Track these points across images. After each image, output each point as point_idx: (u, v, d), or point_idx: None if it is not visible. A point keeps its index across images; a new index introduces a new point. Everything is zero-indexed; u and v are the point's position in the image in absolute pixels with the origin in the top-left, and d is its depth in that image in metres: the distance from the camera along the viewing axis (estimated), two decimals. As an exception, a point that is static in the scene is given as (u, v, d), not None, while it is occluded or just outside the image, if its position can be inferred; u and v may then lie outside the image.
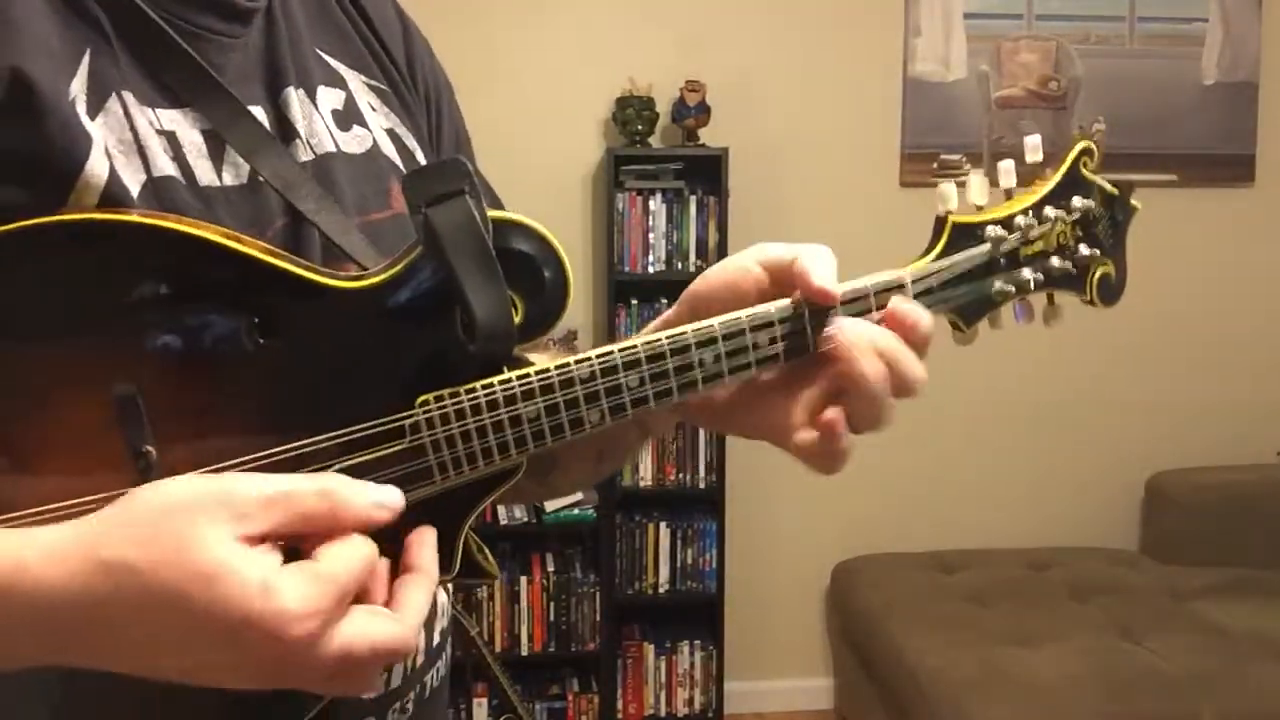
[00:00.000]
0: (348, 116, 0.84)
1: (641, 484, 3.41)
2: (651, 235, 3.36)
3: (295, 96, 0.80)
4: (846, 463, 0.75)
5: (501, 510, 3.30)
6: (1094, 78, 3.61)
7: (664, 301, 3.39)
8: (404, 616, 0.62)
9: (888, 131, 3.57)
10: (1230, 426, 3.70)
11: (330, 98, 0.84)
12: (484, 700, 3.26)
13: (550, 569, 3.35)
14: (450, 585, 0.87)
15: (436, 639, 0.89)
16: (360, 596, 0.61)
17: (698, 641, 3.45)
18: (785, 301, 0.74)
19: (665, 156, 3.40)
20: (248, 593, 0.56)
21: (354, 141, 0.83)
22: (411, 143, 0.87)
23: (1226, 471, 3.57)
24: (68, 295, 0.66)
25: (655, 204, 3.35)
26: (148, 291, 0.67)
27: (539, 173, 3.45)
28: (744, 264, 0.76)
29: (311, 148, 0.80)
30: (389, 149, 0.85)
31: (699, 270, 3.39)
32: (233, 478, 0.60)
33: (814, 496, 3.58)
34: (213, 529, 0.57)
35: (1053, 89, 3.61)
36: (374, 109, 0.86)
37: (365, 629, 0.59)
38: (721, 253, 3.33)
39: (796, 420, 0.75)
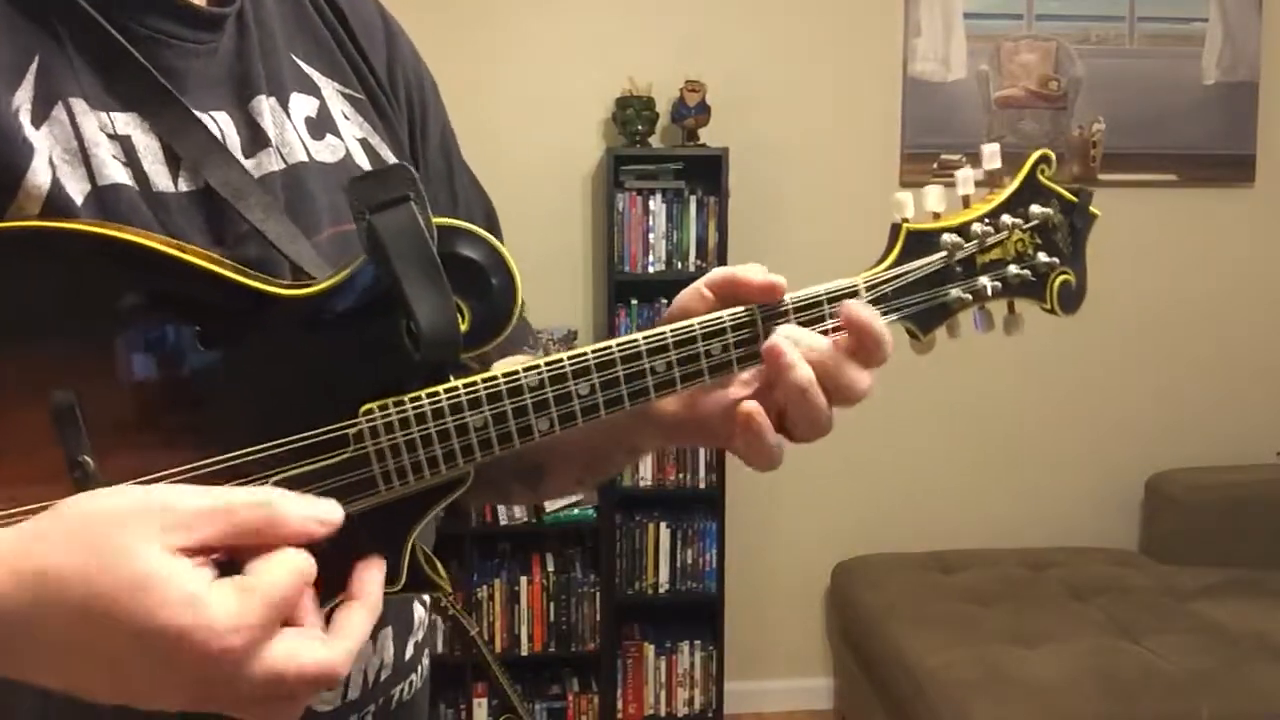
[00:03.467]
0: (321, 125, 0.83)
1: (641, 484, 3.41)
2: (651, 235, 3.36)
3: (267, 104, 0.79)
4: (778, 461, 0.74)
5: (501, 510, 3.30)
6: (1094, 78, 3.61)
7: (664, 301, 3.39)
8: (337, 642, 0.60)
9: (888, 131, 3.57)
10: (1230, 426, 3.70)
11: (303, 105, 0.83)
12: (484, 700, 3.26)
13: (550, 569, 3.35)
14: (441, 596, 0.87)
15: (410, 652, 0.88)
16: (296, 615, 0.59)
17: (698, 641, 3.45)
18: (740, 309, 0.74)
19: (665, 156, 3.40)
20: (176, 605, 0.54)
21: (327, 150, 0.82)
22: (386, 152, 0.87)
23: (1226, 471, 3.57)
24: (7, 303, 0.65)
25: (655, 204, 3.35)
26: (88, 299, 0.66)
27: (539, 173, 3.46)
28: (696, 288, 0.77)
29: (283, 156, 0.79)
30: (361, 158, 0.84)
31: (699, 270, 3.42)
32: (168, 489, 0.59)
33: (814, 496, 3.58)
34: (144, 540, 0.55)
35: (1053, 89, 3.61)
36: (347, 118, 0.85)
37: (295, 652, 0.57)
38: (721, 253, 3.34)
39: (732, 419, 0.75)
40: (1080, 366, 3.65)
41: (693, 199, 3.36)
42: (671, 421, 0.79)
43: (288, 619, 0.58)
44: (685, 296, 0.77)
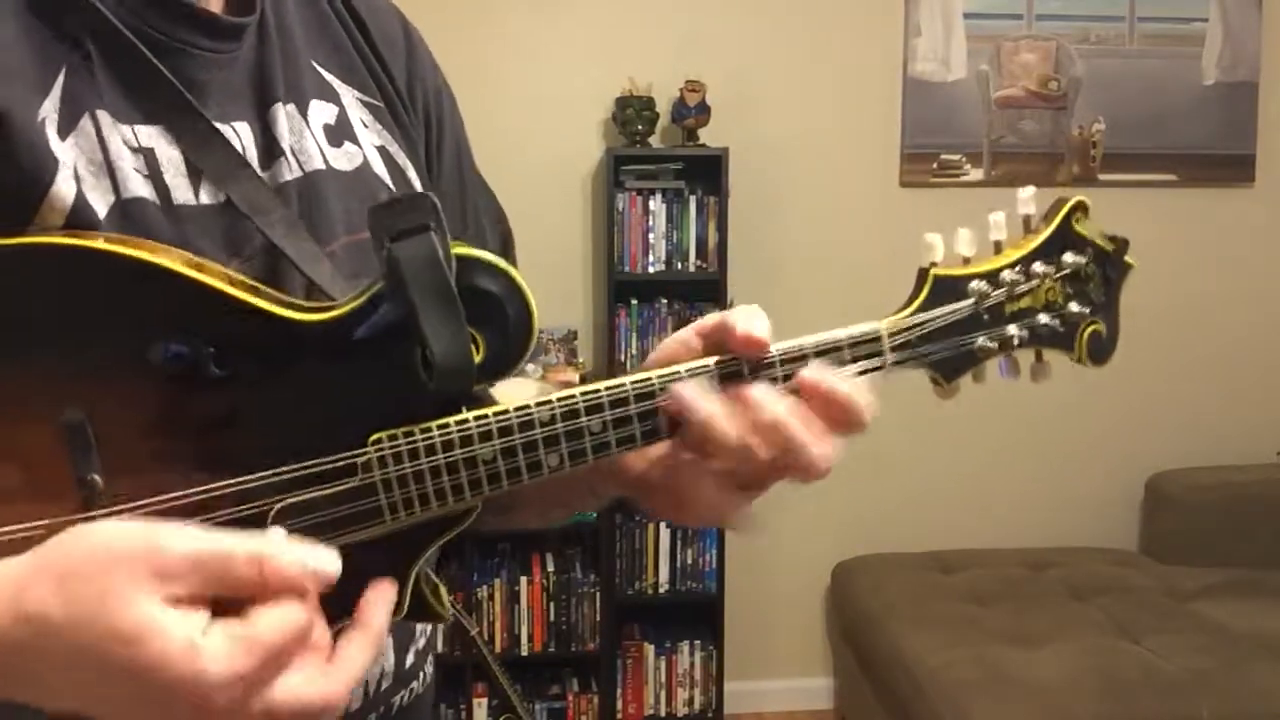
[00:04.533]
0: (339, 132, 0.83)
1: (641, 484, 3.40)
2: (651, 235, 3.36)
3: (284, 112, 0.79)
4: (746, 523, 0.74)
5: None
6: (1094, 78, 3.61)
7: (664, 301, 3.40)
8: (337, 673, 0.60)
9: (888, 131, 3.57)
10: (1230, 426, 3.70)
11: (322, 112, 0.83)
12: (484, 700, 3.26)
13: (550, 569, 3.35)
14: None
15: (411, 660, 0.89)
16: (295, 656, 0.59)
17: (698, 641, 3.45)
18: (727, 357, 0.72)
19: (665, 156, 3.40)
20: (171, 655, 0.54)
21: (344, 158, 0.82)
22: (403, 160, 0.87)
23: (1226, 471, 3.57)
24: (24, 317, 0.65)
25: (655, 204, 3.35)
26: (104, 317, 0.66)
27: (539, 173, 3.45)
28: (683, 337, 0.75)
29: (300, 165, 0.79)
30: (379, 167, 0.84)
31: (699, 270, 3.43)
32: (164, 532, 0.57)
33: (814, 496, 3.56)
34: (136, 588, 0.55)
35: (1053, 89, 3.61)
36: (366, 125, 0.85)
37: (293, 691, 0.57)
38: (721, 253, 3.33)
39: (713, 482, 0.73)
40: (1079, 366, 3.64)
41: (693, 199, 3.36)
42: (633, 477, 0.77)
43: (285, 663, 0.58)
44: (668, 347, 0.75)
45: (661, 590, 3.42)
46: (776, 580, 3.67)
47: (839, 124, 3.56)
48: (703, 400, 0.69)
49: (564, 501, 0.88)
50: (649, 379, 0.71)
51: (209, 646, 0.55)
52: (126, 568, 0.55)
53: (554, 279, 3.49)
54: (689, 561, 3.41)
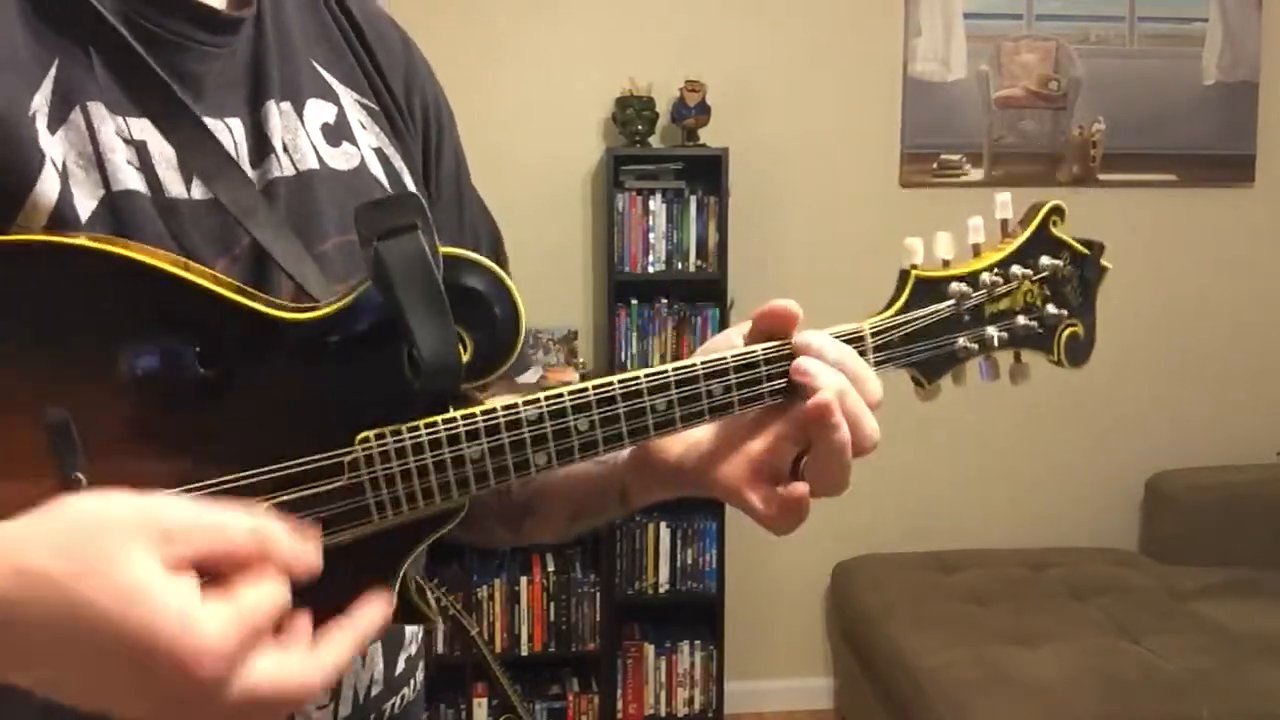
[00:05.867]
0: (338, 132, 0.83)
1: (641, 484, 3.40)
2: (651, 235, 3.36)
3: (276, 110, 0.79)
4: (795, 528, 0.74)
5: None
6: (1094, 78, 3.61)
7: (664, 301, 3.40)
8: (318, 657, 0.60)
9: (888, 132, 3.57)
10: (1230, 426, 3.70)
11: (321, 111, 0.83)
12: (484, 700, 3.26)
13: (550, 569, 3.35)
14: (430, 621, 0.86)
15: (401, 667, 0.88)
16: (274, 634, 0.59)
17: (698, 641, 3.45)
18: (745, 348, 0.74)
19: (665, 156, 3.40)
20: (165, 620, 0.54)
21: (342, 158, 0.82)
22: (399, 164, 0.86)
23: (1226, 471, 3.57)
24: (7, 317, 0.64)
25: (655, 204, 3.35)
26: (89, 317, 0.65)
27: (539, 172, 3.46)
28: (728, 335, 0.77)
29: (294, 163, 0.79)
30: (376, 168, 0.84)
31: (699, 270, 3.42)
32: (162, 499, 0.58)
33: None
34: (138, 549, 0.55)
35: (1053, 89, 3.61)
36: (364, 127, 0.85)
37: (273, 671, 0.57)
38: (721, 253, 3.34)
39: (750, 476, 0.74)
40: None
41: (693, 199, 3.36)
42: (670, 469, 0.77)
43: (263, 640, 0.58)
44: (716, 343, 0.77)
45: (661, 590, 3.42)
46: (776, 580, 3.67)
47: (839, 124, 3.56)
48: (827, 371, 0.71)
49: (589, 509, 0.87)
50: (636, 377, 0.71)
51: (204, 615, 0.55)
52: (130, 529, 0.55)
53: (554, 279, 3.49)
54: (689, 561, 3.41)
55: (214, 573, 0.57)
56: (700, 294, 3.40)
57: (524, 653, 3.33)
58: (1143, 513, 3.72)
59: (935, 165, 3.57)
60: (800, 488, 0.72)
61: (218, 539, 0.57)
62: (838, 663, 3.62)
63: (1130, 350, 3.68)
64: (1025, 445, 3.69)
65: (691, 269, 3.36)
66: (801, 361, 0.72)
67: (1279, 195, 3.71)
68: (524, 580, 3.32)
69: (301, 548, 0.60)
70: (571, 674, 3.42)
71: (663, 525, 3.40)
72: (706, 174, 3.36)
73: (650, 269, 3.37)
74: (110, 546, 0.54)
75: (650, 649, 3.45)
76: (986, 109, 3.58)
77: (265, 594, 0.57)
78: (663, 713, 3.46)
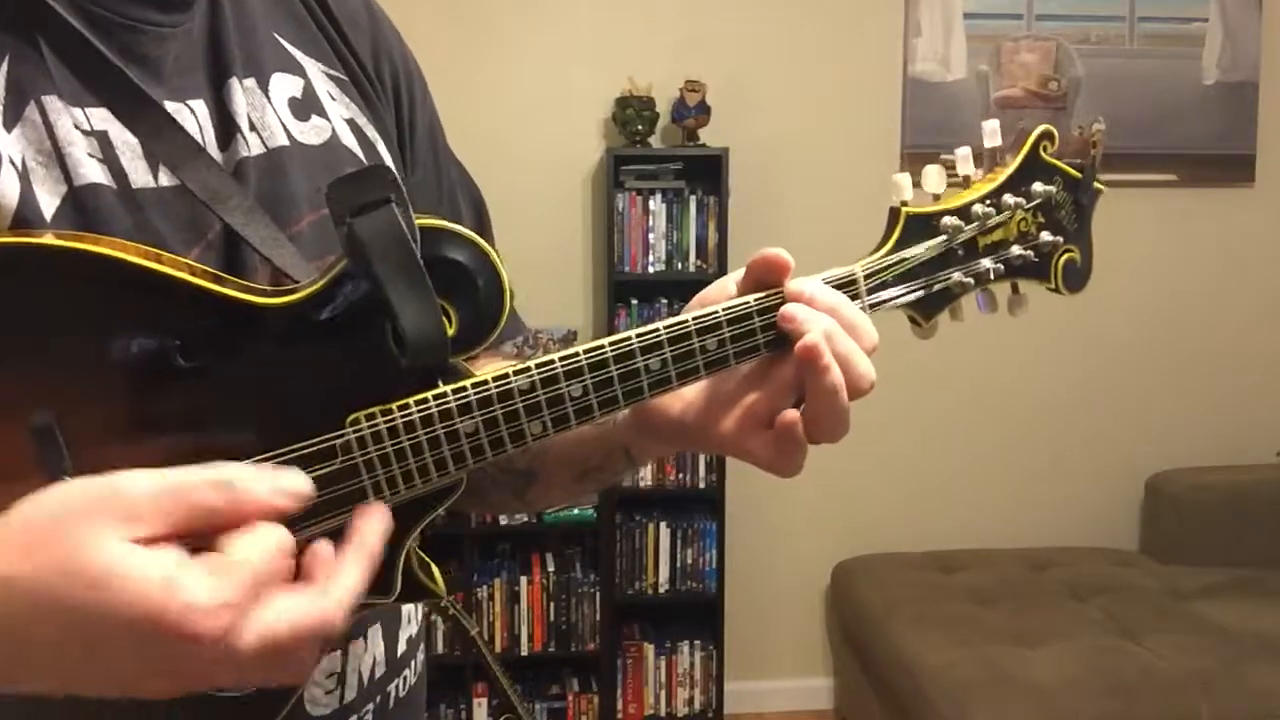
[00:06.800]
0: (306, 106, 0.81)
1: (641, 484, 3.41)
2: (651, 235, 3.36)
3: (240, 87, 0.77)
4: (802, 466, 0.72)
5: (501, 510, 3.30)
6: (1094, 78, 3.61)
7: (664, 301, 3.39)
8: (328, 588, 0.57)
9: (888, 131, 3.57)
10: (1230, 426, 3.70)
11: (287, 85, 0.80)
12: (484, 700, 3.26)
13: (550, 569, 3.35)
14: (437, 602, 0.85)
15: (403, 647, 0.87)
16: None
17: (698, 641, 3.45)
18: (735, 301, 0.73)
19: (665, 156, 3.40)
20: (147, 590, 0.52)
21: (312, 132, 0.80)
22: (372, 133, 0.84)
23: (1226, 471, 3.57)
24: None
25: (655, 204, 3.35)
26: (64, 317, 0.63)
27: (539, 172, 3.46)
28: (723, 283, 0.76)
29: (263, 141, 0.77)
30: (349, 140, 0.82)
31: (699, 270, 3.42)
32: (118, 475, 0.55)
33: (814, 496, 3.58)
34: (99, 533, 0.53)
35: (1053, 89, 3.61)
36: (334, 98, 0.83)
37: (283, 610, 0.55)
38: (721, 253, 3.33)
39: (750, 428, 0.72)
40: (1080, 366, 3.65)
41: (693, 199, 3.36)
42: (672, 427, 0.76)
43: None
44: (708, 291, 0.76)
45: (661, 590, 3.42)
46: (776, 580, 3.67)
47: (839, 124, 3.56)
48: (815, 317, 0.71)
49: (595, 467, 0.85)
50: (628, 338, 0.70)
51: (186, 576, 0.52)
52: (88, 515, 0.53)
53: (554, 279, 3.49)
54: (689, 561, 3.41)
55: (200, 536, 0.55)
56: (700, 294, 3.39)
57: (524, 653, 3.33)
58: (1143, 512, 3.71)
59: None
60: (790, 414, 0.70)
61: (183, 500, 0.55)
62: (838, 663, 3.62)
63: (1130, 350, 3.68)
64: (1025, 445, 3.69)
65: (691, 269, 3.36)
66: (787, 308, 0.72)
67: (1279, 195, 3.71)
68: (524, 580, 3.32)
69: (283, 478, 0.58)
70: (571, 674, 3.42)
71: (663, 525, 3.40)
72: (706, 174, 3.36)
73: (650, 269, 3.37)
74: (71, 537, 0.53)
75: (650, 649, 3.44)
76: (986, 109, 3.58)
77: (257, 540, 0.55)
78: (663, 713, 3.46)
